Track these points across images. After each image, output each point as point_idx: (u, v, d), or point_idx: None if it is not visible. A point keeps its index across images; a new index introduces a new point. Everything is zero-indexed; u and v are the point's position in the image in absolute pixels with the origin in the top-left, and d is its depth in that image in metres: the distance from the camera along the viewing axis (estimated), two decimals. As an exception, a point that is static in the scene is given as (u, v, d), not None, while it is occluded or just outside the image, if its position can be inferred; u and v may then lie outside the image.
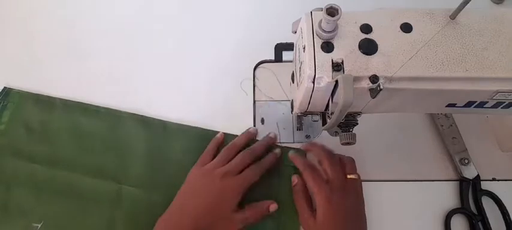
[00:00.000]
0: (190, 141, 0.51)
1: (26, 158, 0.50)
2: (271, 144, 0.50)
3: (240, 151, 0.48)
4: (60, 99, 0.54)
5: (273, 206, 0.46)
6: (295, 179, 0.47)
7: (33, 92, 0.55)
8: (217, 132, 0.52)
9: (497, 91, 0.33)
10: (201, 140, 0.51)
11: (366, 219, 0.44)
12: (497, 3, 0.62)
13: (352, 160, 0.47)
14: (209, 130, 0.52)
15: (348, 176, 0.45)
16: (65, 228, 0.46)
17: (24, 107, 0.53)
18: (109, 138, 0.52)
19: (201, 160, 0.48)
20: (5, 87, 0.55)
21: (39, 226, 0.46)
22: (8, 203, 0.48)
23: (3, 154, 0.51)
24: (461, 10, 0.33)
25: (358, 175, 0.46)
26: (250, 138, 0.50)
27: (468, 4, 0.32)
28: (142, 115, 0.53)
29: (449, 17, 0.35)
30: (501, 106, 0.36)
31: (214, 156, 0.48)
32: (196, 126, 0.53)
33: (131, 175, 0.49)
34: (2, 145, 0.51)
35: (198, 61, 0.57)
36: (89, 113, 0.53)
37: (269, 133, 0.51)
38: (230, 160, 0.47)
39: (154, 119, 0.53)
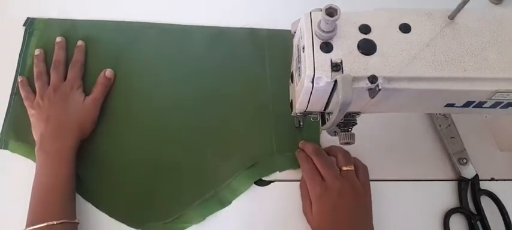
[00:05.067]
0: (211, 38, 0.57)
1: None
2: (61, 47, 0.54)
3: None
4: (83, 20, 0.57)
5: (108, 72, 0.52)
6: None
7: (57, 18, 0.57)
8: (237, 28, 0.58)
9: (496, 91, 0.33)
10: (220, 36, 0.57)
11: (370, 212, 0.44)
12: (496, 4, 0.62)
13: (344, 152, 0.47)
14: (229, 27, 0.58)
15: (343, 169, 0.45)
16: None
17: (50, 31, 0.56)
18: (133, 50, 0.56)
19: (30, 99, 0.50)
20: (28, 17, 0.57)
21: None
22: None
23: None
24: (460, 10, 0.34)
25: (362, 165, 0.46)
26: (61, 48, 0.54)
27: (467, 4, 0.32)
28: (161, 23, 0.58)
29: (448, 17, 0.35)
30: (500, 106, 0.36)
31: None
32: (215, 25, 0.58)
33: (160, 81, 0.54)
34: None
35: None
36: (111, 29, 0.57)
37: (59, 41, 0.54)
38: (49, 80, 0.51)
39: (173, 25, 0.58)
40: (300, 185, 0.48)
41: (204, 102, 0.53)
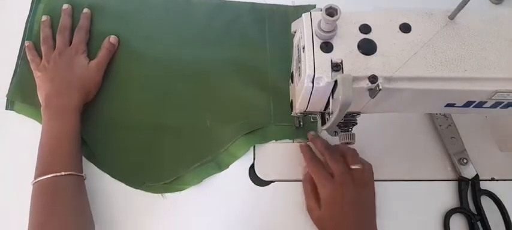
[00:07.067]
0: (212, 9, 0.59)
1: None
2: (68, 13, 0.55)
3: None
4: None
5: (112, 38, 0.54)
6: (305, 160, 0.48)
7: None
8: (239, 1, 0.59)
9: (496, 91, 0.33)
10: (222, 8, 0.59)
11: (374, 209, 0.44)
12: (496, 4, 0.62)
13: (353, 151, 0.47)
14: (231, 0, 0.60)
15: (352, 167, 0.45)
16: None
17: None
18: (137, 18, 0.58)
19: (36, 63, 0.52)
20: None
21: None
22: None
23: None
24: (460, 10, 0.34)
25: (367, 164, 0.46)
26: (67, 14, 0.55)
27: (467, 4, 0.32)
28: None
29: (448, 17, 0.35)
30: (500, 106, 0.36)
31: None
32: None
33: (162, 48, 0.55)
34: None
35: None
36: None
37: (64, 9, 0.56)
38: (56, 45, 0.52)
39: None
40: (303, 183, 0.48)
41: (204, 70, 0.54)
